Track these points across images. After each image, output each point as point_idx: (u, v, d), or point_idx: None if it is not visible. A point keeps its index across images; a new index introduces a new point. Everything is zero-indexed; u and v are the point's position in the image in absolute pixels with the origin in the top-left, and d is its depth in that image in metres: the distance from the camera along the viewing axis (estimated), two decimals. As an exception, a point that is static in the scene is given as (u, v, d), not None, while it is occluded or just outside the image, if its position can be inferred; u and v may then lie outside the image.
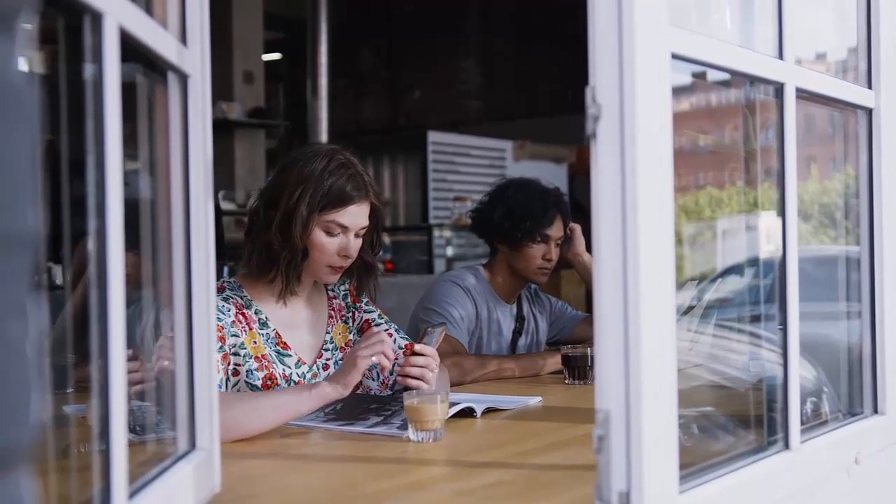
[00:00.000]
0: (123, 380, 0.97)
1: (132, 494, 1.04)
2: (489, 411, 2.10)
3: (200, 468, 1.29)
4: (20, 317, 0.53)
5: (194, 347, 1.31)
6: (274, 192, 2.12)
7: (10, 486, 0.53)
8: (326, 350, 2.23)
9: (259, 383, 2.06)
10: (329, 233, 2.10)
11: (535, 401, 2.27)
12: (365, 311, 2.33)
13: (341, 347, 2.26)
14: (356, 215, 2.12)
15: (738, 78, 1.53)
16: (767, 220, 1.82)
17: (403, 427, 1.84)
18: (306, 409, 1.91)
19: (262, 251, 2.12)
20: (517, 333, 3.04)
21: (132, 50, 1.06)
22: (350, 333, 2.29)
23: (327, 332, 2.25)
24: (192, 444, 1.31)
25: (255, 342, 2.09)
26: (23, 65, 0.55)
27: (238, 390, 2.05)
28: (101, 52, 0.95)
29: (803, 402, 1.54)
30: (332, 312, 2.28)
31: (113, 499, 0.95)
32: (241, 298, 2.13)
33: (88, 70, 0.96)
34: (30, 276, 0.55)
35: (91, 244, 0.97)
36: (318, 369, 2.19)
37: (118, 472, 0.97)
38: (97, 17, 0.94)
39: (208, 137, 1.32)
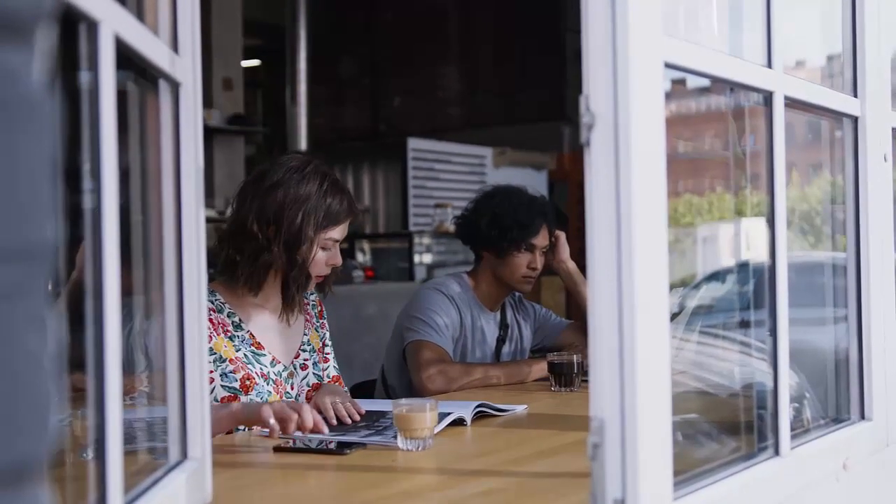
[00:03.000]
0: (119, 390, 0.96)
1: (126, 506, 1.03)
2: (480, 416, 2.10)
3: (192, 478, 1.28)
4: (40, 329, 0.53)
5: (186, 357, 1.30)
6: (267, 211, 2.13)
7: (30, 497, 0.52)
8: (304, 350, 2.31)
9: (237, 384, 2.11)
10: (324, 248, 2.20)
11: (520, 409, 2.27)
12: (326, 329, 2.42)
13: (317, 350, 2.34)
14: (346, 229, 2.24)
15: (721, 85, 1.54)
16: (748, 227, 1.83)
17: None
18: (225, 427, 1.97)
19: (259, 266, 2.14)
20: (501, 341, 3.03)
21: (124, 57, 1.05)
22: (320, 341, 2.37)
23: (305, 334, 2.32)
24: (184, 455, 1.30)
25: (226, 345, 2.13)
26: (40, 76, 0.54)
27: (213, 396, 2.08)
28: (96, 60, 0.94)
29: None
30: (308, 317, 2.36)
31: (109, 510, 0.94)
32: (213, 303, 2.16)
33: (83, 77, 0.95)
34: (47, 288, 0.54)
35: (83, 252, 0.96)
36: (294, 368, 2.26)
37: (113, 483, 0.96)
38: (93, 26, 0.94)
39: (199, 146, 1.32)
